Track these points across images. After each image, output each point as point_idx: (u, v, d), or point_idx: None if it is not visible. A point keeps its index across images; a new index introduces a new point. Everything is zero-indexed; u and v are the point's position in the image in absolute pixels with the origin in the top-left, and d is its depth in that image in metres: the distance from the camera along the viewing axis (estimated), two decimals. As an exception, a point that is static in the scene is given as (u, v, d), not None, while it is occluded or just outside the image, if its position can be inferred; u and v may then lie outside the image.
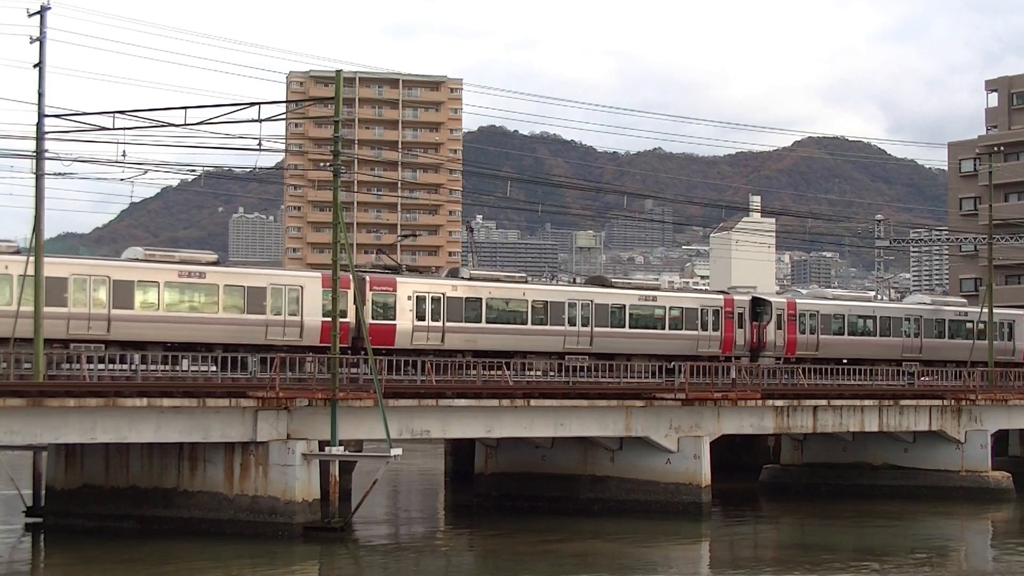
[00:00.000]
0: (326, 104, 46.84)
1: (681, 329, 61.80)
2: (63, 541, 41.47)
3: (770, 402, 52.54)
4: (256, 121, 41.19)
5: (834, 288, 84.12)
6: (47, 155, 42.07)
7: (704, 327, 62.32)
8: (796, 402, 53.68)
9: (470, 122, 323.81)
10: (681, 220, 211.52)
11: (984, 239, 76.24)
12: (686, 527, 46.72)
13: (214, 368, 46.78)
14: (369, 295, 52.19)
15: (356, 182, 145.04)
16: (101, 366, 44.46)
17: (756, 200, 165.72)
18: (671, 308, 61.89)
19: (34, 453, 44.97)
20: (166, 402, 38.40)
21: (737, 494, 57.65)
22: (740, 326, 63.71)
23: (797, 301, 68.19)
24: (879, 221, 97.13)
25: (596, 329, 58.49)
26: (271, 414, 40.43)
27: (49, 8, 42.46)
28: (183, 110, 41.63)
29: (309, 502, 40.21)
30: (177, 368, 46.09)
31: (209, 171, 56.12)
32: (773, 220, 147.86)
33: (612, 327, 59.16)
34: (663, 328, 61.24)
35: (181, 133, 42.85)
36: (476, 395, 45.29)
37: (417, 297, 53.64)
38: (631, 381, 53.88)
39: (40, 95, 42.07)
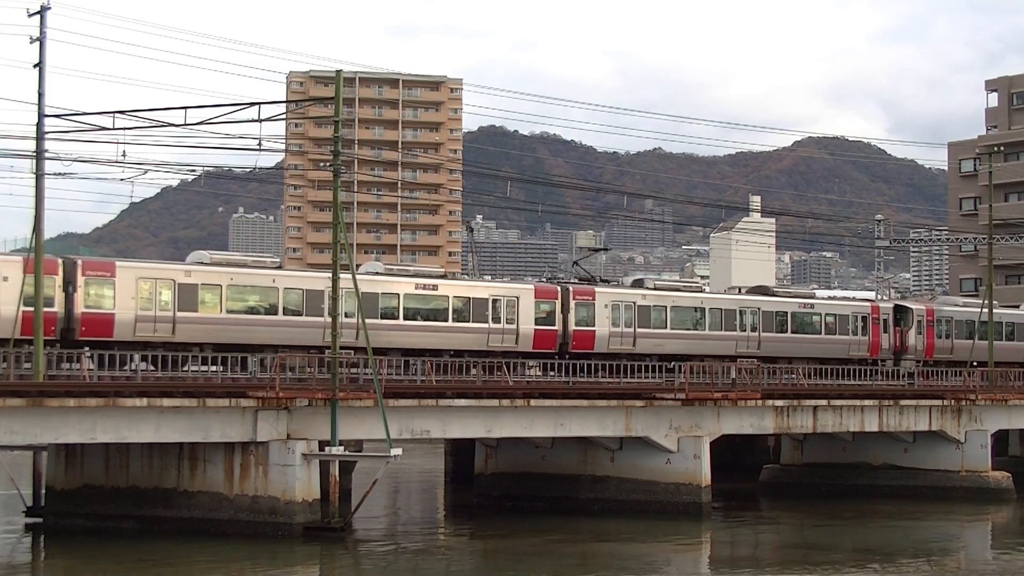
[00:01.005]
0: (326, 104, 46.84)
1: (835, 334, 67.09)
2: (63, 541, 41.46)
3: (770, 402, 52.54)
4: (256, 121, 41.20)
5: (959, 296, 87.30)
6: (47, 155, 42.08)
7: (854, 332, 67.48)
8: (796, 402, 53.67)
9: (470, 122, 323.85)
10: (681, 220, 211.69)
11: (984, 239, 76.26)
12: (686, 527, 46.71)
13: (214, 368, 46.81)
14: (572, 304, 57.41)
15: (356, 182, 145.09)
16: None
17: (756, 200, 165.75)
18: (826, 315, 67.30)
19: (34, 453, 44.97)
20: (166, 402, 38.41)
21: (737, 494, 57.65)
22: (885, 331, 69.04)
23: (935, 308, 72.78)
24: (879, 221, 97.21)
25: (763, 334, 63.94)
26: (271, 414, 40.43)
27: (49, 8, 42.48)
28: (183, 110, 41.66)
29: (309, 502, 40.22)
30: (177, 368, 46.12)
31: (209, 171, 56.15)
32: (773, 220, 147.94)
33: (776, 332, 64.68)
34: (820, 333, 66.65)
35: (181, 133, 42.88)
36: (476, 395, 45.29)
37: (612, 305, 58.71)
38: (631, 381, 53.91)
39: (40, 95, 42.08)
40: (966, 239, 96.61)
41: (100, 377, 43.12)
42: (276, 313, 50.20)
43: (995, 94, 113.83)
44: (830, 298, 77.52)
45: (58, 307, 45.40)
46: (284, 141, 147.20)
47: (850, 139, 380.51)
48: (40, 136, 42.00)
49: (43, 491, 45.09)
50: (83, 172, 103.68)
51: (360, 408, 42.09)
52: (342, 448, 41.58)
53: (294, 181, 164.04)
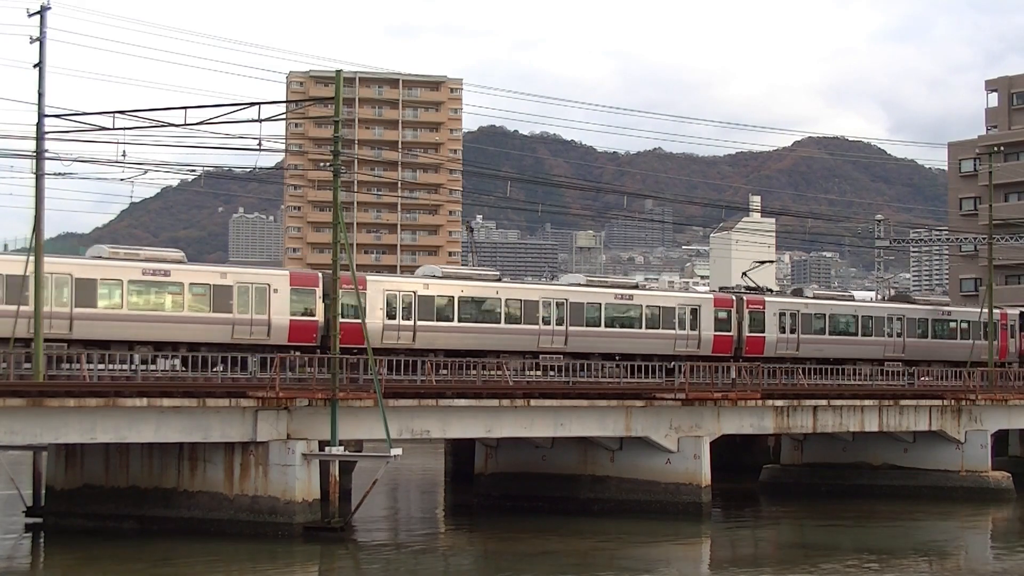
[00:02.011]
0: (326, 104, 46.82)
1: (968, 339, 72.37)
2: (63, 541, 41.45)
3: (770, 402, 52.52)
4: (256, 121, 41.18)
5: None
6: (47, 155, 42.07)
7: (985, 337, 69.91)
8: (796, 402, 53.66)
9: (470, 122, 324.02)
10: (681, 220, 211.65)
11: (984, 239, 76.24)
12: (686, 527, 46.71)
13: (215, 368, 46.84)
14: (746, 312, 63.02)
15: (356, 182, 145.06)
16: (101, 366, 44.55)
17: (756, 200, 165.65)
18: (961, 321, 73.27)
19: (34, 453, 44.97)
20: (166, 402, 38.40)
21: (737, 494, 57.66)
22: (1012, 336, 75.07)
23: None
24: (879, 221, 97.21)
25: (908, 340, 69.63)
26: (271, 414, 40.43)
27: (49, 8, 42.48)
28: (183, 110, 41.64)
29: (309, 502, 40.21)
30: (177, 368, 46.16)
31: (209, 171, 56.13)
32: (773, 220, 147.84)
33: (919, 337, 70.31)
34: (956, 338, 72.51)
35: (181, 133, 42.86)
36: (476, 395, 45.28)
37: (779, 313, 64.56)
38: (631, 381, 53.93)
39: (40, 95, 42.07)
40: (966, 239, 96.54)
41: (100, 377, 43.15)
42: (499, 321, 55.25)
43: (995, 94, 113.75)
44: (964, 307, 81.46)
45: (319, 316, 50.09)
46: (284, 141, 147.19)
47: (850, 139, 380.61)
48: (40, 136, 42.00)
49: (43, 491, 45.08)
50: (83, 172, 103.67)
51: (360, 408, 42.08)
52: (342, 448, 41.57)
53: (294, 181, 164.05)
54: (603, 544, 43.52)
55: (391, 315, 52.16)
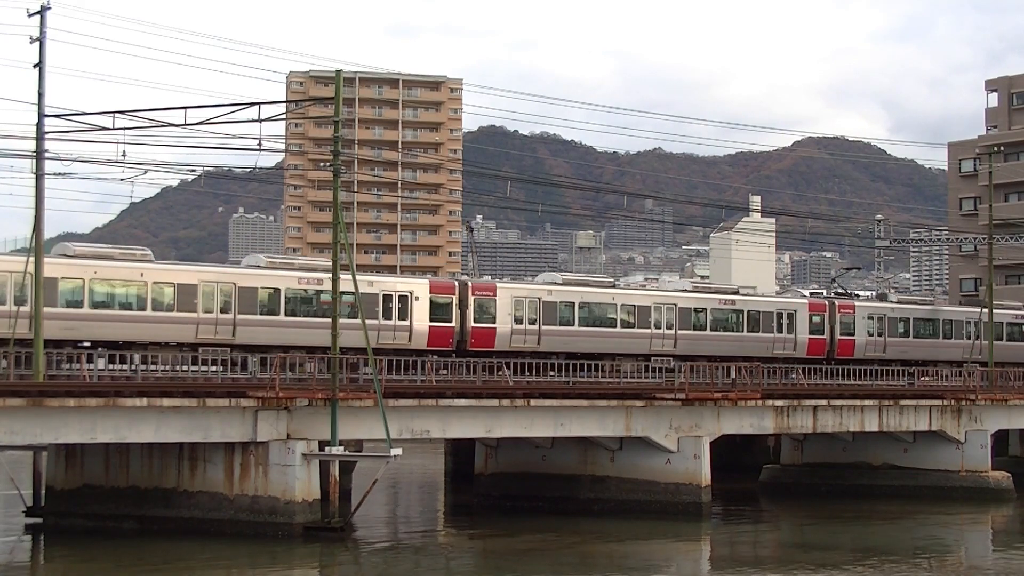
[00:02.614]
0: (326, 104, 46.84)
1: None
2: (63, 541, 41.46)
3: (770, 402, 52.52)
4: (256, 121, 41.19)
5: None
6: (47, 155, 42.07)
7: None
8: (796, 402, 53.65)
9: (470, 122, 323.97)
10: (681, 220, 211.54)
11: (984, 239, 76.22)
12: (686, 527, 46.71)
13: (214, 368, 46.87)
14: (838, 316, 66.64)
15: (356, 182, 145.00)
16: (101, 365, 44.57)
17: (756, 200, 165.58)
18: None
19: (34, 453, 44.98)
20: (166, 402, 38.40)
21: (737, 494, 57.65)
22: None
23: None
24: (879, 221, 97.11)
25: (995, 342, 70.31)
26: (271, 414, 40.43)
27: (49, 8, 42.49)
28: (183, 110, 41.65)
29: (309, 502, 40.21)
30: (177, 368, 46.17)
31: (209, 171, 56.12)
32: (773, 220, 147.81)
33: (1008, 341, 73.37)
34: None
35: (181, 133, 42.86)
36: (476, 395, 45.27)
37: (868, 316, 67.98)
38: (631, 381, 53.94)
39: (40, 95, 42.07)
40: (966, 239, 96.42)
41: (100, 377, 43.15)
42: (615, 326, 58.36)
43: (995, 94, 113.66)
44: None
45: (455, 322, 54.19)
46: (284, 141, 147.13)
47: (850, 139, 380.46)
48: (40, 136, 41.99)
49: (43, 491, 45.10)
50: (83, 172, 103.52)
51: (360, 408, 42.08)
52: (342, 448, 41.57)
53: (294, 181, 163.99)
54: (603, 544, 43.51)
55: (518, 320, 55.82)
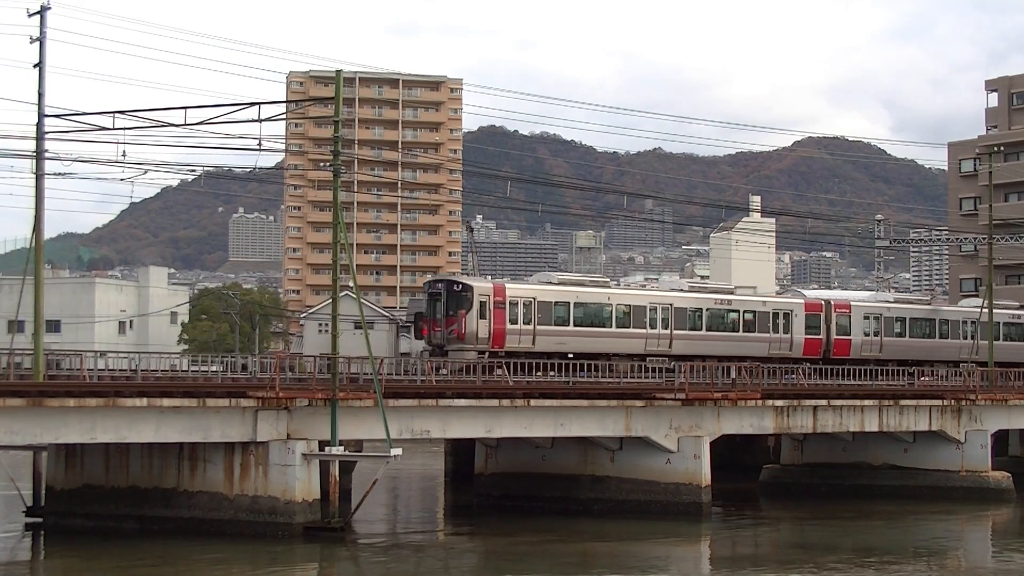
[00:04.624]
0: (326, 104, 46.84)
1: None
2: (63, 541, 41.46)
3: (770, 402, 52.52)
4: (256, 121, 41.18)
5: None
6: (47, 155, 42.05)
7: None
8: (796, 402, 53.65)
9: (470, 122, 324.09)
10: (681, 220, 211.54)
11: (984, 239, 76.21)
12: (686, 527, 46.71)
13: (214, 368, 46.88)
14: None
15: (356, 182, 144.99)
16: (101, 365, 44.57)
17: (756, 200, 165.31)
18: None
19: (34, 453, 45.00)
20: (166, 402, 38.39)
21: (737, 494, 57.63)
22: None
23: None
24: (879, 221, 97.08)
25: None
26: (271, 414, 40.42)
27: (49, 8, 42.46)
28: (183, 110, 41.65)
29: (309, 502, 40.21)
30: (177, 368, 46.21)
31: (209, 171, 56.02)
32: (773, 220, 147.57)
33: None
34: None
35: (181, 133, 42.84)
36: (476, 395, 45.26)
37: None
38: (631, 381, 53.89)
39: (40, 95, 42.05)
40: (966, 239, 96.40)
41: (100, 377, 43.13)
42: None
43: (995, 94, 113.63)
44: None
45: (823, 335, 64.39)
46: (284, 141, 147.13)
47: (850, 139, 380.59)
48: (40, 136, 41.98)
49: (43, 491, 45.11)
50: (83, 172, 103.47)
51: (360, 408, 42.08)
52: (342, 448, 41.56)
53: (294, 181, 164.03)
54: (603, 544, 43.52)
55: (867, 333, 66.22)
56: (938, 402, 58.26)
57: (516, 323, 54.09)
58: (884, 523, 50.32)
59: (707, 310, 61.31)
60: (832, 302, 66.84)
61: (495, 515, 49.89)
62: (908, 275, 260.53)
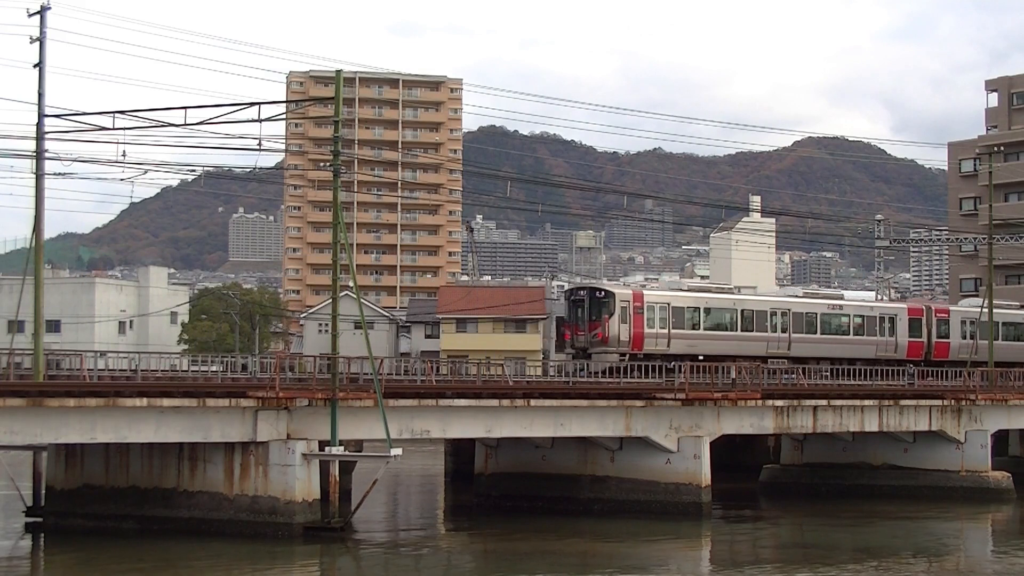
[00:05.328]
0: (326, 104, 46.85)
1: None
2: (63, 541, 41.45)
3: (770, 402, 52.51)
4: (256, 121, 41.19)
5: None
6: (47, 155, 42.07)
7: None
8: (796, 402, 53.64)
9: (470, 122, 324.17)
10: (681, 220, 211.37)
11: (984, 239, 76.21)
12: (686, 527, 46.70)
13: (214, 368, 46.90)
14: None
15: (356, 182, 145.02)
16: (101, 365, 44.59)
17: (756, 200, 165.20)
18: None
19: (34, 453, 44.99)
20: (166, 402, 38.39)
21: (737, 494, 57.64)
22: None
23: None
24: (879, 221, 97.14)
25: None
26: (271, 414, 40.42)
27: (49, 8, 42.51)
28: (183, 110, 41.66)
29: (309, 502, 40.22)
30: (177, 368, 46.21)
31: (209, 171, 56.06)
32: (773, 220, 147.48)
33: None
34: None
35: (181, 133, 42.86)
36: (476, 395, 45.26)
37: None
38: (631, 381, 53.90)
39: (40, 95, 42.08)
40: (966, 239, 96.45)
41: (100, 377, 43.15)
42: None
43: (995, 94, 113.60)
44: None
45: (924, 338, 68.26)
46: (284, 141, 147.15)
47: (850, 139, 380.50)
48: (40, 136, 41.99)
49: (43, 491, 45.10)
50: (83, 172, 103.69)
51: (360, 408, 42.08)
52: (342, 448, 41.57)
53: (294, 181, 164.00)
54: (603, 544, 43.51)
55: (963, 336, 69.52)
56: (938, 402, 58.25)
57: (653, 327, 57.87)
58: (884, 523, 50.31)
59: (821, 315, 65.31)
60: (932, 307, 71.13)
61: (495, 515, 49.89)
62: (908, 275, 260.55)
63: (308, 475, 40.33)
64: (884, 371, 60.54)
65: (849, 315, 66.33)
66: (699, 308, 60.11)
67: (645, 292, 59.06)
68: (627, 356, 55.69)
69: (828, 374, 60.34)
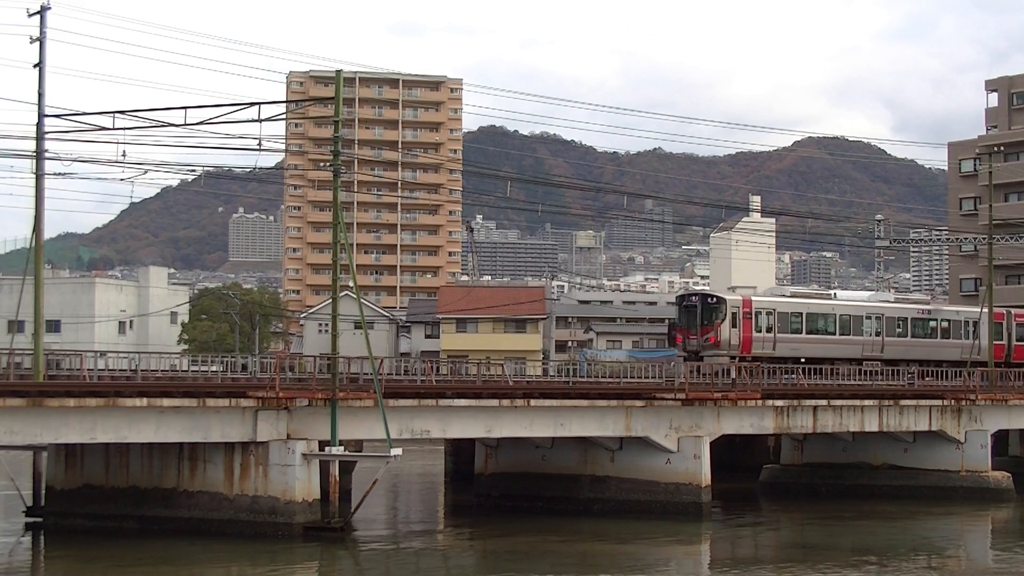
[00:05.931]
0: (326, 104, 46.85)
1: None
2: (63, 541, 41.45)
3: (770, 402, 52.50)
4: (256, 121, 41.19)
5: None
6: (47, 155, 42.08)
7: None
8: (796, 402, 53.63)
9: (470, 122, 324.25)
10: (681, 220, 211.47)
11: (984, 239, 76.19)
12: (686, 527, 46.69)
13: (214, 368, 46.90)
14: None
15: (356, 182, 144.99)
16: (101, 365, 44.61)
17: (756, 200, 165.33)
18: None
19: (34, 453, 44.99)
20: (166, 402, 38.39)
21: (737, 494, 57.62)
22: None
23: None
24: (879, 221, 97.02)
25: None
26: (271, 414, 40.42)
27: (49, 8, 42.52)
28: (183, 110, 41.66)
29: (309, 502, 40.21)
30: (177, 368, 46.21)
31: (209, 171, 56.05)
32: (773, 220, 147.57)
33: None
34: None
35: (181, 133, 42.86)
36: (476, 395, 45.25)
37: None
38: (631, 381, 53.92)
39: (40, 95, 42.09)
40: (966, 239, 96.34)
41: (100, 377, 43.15)
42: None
43: (995, 94, 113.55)
44: None
45: (1004, 340, 71.36)
46: (284, 141, 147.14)
47: (850, 139, 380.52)
48: (40, 136, 42.00)
49: (43, 491, 45.09)
50: (83, 172, 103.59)
51: (360, 408, 42.08)
52: (342, 448, 41.56)
53: (294, 181, 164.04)
54: (603, 544, 43.50)
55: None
56: (938, 402, 58.25)
57: (760, 331, 61.14)
58: (884, 523, 50.30)
59: (911, 319, 68.66)
60: (1012, 312, 73.90)
61: (495, 515, 49.87)
62: (908, 275, 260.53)
63: (308, 475, 40.32)
64: (886, 372, 61.08)
65: (937, 319, 70.08)
66: (803, 313, 63.62)
67: (753, 298, 62.19)
68: (736, 359, 58.24)
69: (827, 375, 60.23)
